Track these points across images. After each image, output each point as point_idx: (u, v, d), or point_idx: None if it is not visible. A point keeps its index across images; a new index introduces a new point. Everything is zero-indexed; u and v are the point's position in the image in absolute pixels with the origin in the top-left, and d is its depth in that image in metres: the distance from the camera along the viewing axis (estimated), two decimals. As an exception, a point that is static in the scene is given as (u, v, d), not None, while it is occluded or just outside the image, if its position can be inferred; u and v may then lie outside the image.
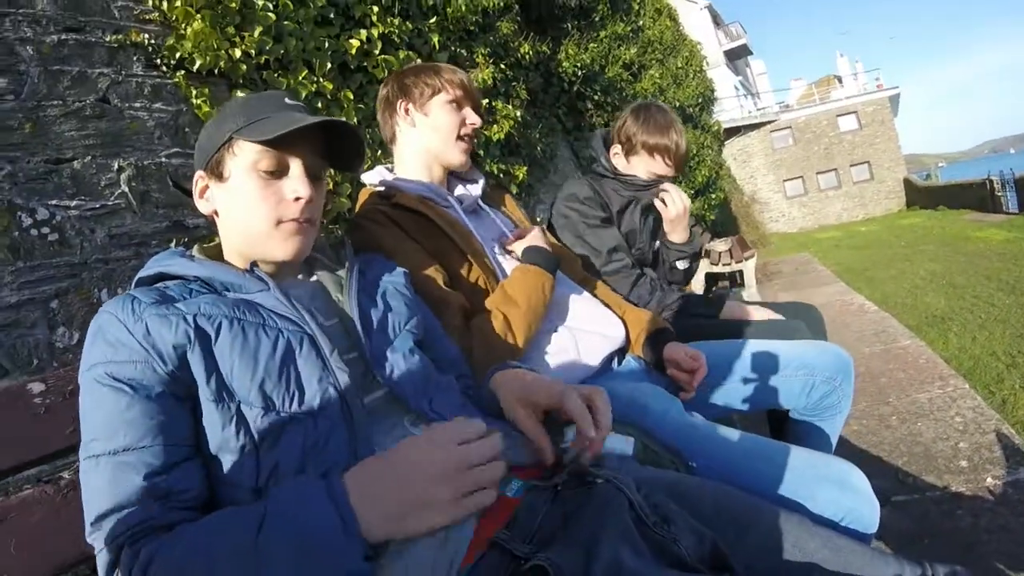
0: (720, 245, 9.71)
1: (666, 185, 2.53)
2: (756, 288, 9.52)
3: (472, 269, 1.79)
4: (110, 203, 2.66)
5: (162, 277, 1.20)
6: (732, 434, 1.49)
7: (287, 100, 1.26)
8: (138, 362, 1.00)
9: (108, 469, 0.94)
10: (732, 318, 2.45)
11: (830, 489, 1.28)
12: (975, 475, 2.99)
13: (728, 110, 39.48)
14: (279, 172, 1.21)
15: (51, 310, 2.38)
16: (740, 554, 1.01)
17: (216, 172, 1.23)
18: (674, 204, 2.49)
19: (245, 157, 1.20)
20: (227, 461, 1.00)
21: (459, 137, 1.94)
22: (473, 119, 1.95)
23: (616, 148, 2.66)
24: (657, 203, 2.53)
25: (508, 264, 1.89)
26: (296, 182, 1.21)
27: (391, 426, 1.13)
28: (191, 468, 0.99)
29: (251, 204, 1.20)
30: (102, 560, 0.92)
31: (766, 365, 1.90)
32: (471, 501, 0.91)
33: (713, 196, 13.31)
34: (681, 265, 2.63)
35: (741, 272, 9.54)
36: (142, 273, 1.20)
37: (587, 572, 0.84)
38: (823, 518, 1.24)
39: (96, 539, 0.93)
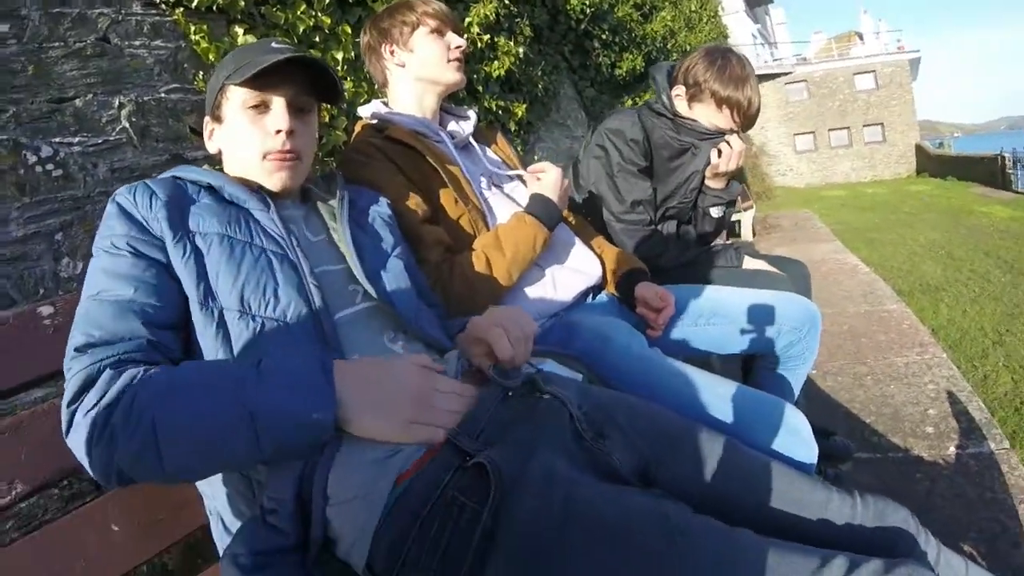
0: (720, 193, 9.66)
1: (733, 139, 2.35)
2: (753, 240, 9.54)
3: (457, 205, 1.81)
4: (111, 138, 2.73)
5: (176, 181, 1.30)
6: (687, 370, 1.54)
7: (273, 44, 1.34)
8: (155, 244, 1.15)
9: (112, 307, 1.06)
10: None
11: (769, 427, 1.37)
12: (939, 442, 3.01)
13: (744, 58, 38.82)
14: (263, 107, 1.32)
15: (56, 242, 2.48)
16: (668, 468, 1.13)
17: (216, 117, 1.38)
18: (729, 161, 2.36)
19: (235, 99, 1.32)
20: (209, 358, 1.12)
21: (449, 60, 1.94)
22: (458, 42, 1.94)
23: (679, 90, 2.39)
24: (713, 153, 2.36)
25: (495, 201, 1.92)
26: (277, 116, 1.32)
27: (369, 340, 1.24)
28: (179, 340, 1.13)
29: (241, 138, 1.33)
30: (74, 382, 0.99)
31: (735, 311, 1.96)
32: (421, 432, 1.03)
33: (721, 145, 13.12)
34: (715, 212, 2.52)
35: (740, 222, 9.53)
36: (161, 176, 1.30)
37: (523, 473, 0.95)
38: (759, 446, 1.30)
39: (76, 362, 1.01)
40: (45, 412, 1.15)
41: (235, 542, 1.01)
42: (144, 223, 1.16)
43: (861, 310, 5.32)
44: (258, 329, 1.12)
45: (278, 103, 1.32)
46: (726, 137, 2.34)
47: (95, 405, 0.96)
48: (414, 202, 1.73)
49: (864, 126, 38.20)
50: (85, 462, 0.97)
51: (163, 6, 3.03)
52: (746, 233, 9.65)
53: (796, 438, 1.36)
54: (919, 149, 36.38)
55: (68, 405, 0.98)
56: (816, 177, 38.24)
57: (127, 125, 2.77)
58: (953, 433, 3.08)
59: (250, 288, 1.14)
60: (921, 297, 6.53)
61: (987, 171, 23.37)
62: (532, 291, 1.84)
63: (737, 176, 2.54)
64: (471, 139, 2.05)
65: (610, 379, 1.51)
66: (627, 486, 1.02)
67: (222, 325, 1.12)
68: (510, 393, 1.16)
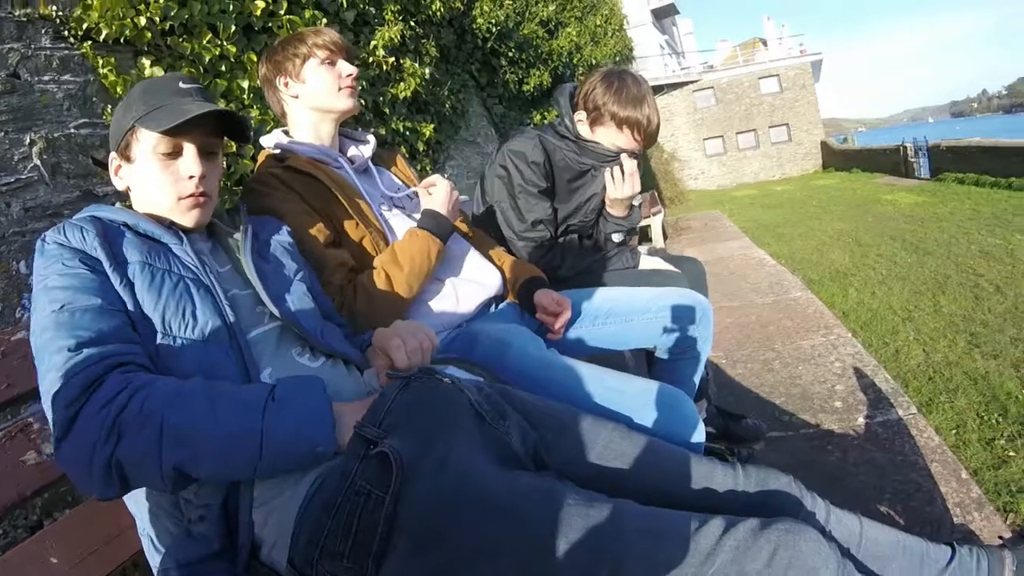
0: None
1: (629, 165, 2.40)
2: (663, 243, 9.79)
3: (358, 227, 1.87)
4: (23, 176, 2.73)
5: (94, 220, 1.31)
6: (581, 367, 1.63)
7: (181, 84, 1.40)
8: (99, 270, 1.18)
9: (90, 314, 1.09)
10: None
11: (659, 414, 1.46)
12: (848, 415, 3.14)
13: (652, 69, 39.64)
14: (175, 154, 1.37)
15: (-30, 285, 2.42)
16: (557, 453, 1.24)
17: (125, 155, 1.40)
18: (622, 188, 2.42)
19: (146, 143, 1.35)
20: None
21: (340, 88, 1.97)
22: (349, 70, 1.98)
23: (581, 115, 2.43)
24: (607, 176, 2.42)
25: (395, 221, 1.99)
26: (190, 163, 1.36)
27: (279, 355, 1.32)
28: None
29: (154, 183, 1.37)
30: (77, 382, 1.00)
31: (627, 309, 2.06)
32: None
33: (631, 153, 13.32)
34: (616, 238, 2.61)
35: (649, 227, 9.75)
36: (79, 216, 1.32)
37: (421, 459, 1.02)
38: (648, 431, 1.40)
39: (72, 361, 1.02)
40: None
41: (165, 557, 1.10)
42: (83, 252, 1.19)
43: (768, 300, 5.51)
44: (179, 348, 1.18)
45: (189, 149, 1.37)
46: (621, 159, 2.39)
47: (105, 405, 0.98)
48: (316, 228, 1.79)
49: (770, 127, 39.40)
50: (81, 464, 0.97)
51: (71, 40, 3.04)
52: (656, 237, 9.88)
53: (685, 422, 1.47)
54: (824, 145, 37.63)
55: (67, 405, 0.99)
56: (727, 179, 39.23)
57: (39, 163, 2.77)
58: (861, 405, 3.22)
59: (170, 311, 1.20)
60: (831, 284, 6.74)
61: (891, 161, 24.25)
62: (434, 304, 1.92)
63: (646, 183, 2.66)
64: (370, 162, 2.11)
65: (510, 382, 1.55)
66: (521, 470, 1.12)
67: (149, 345, 1.17)
68: (410, 382, 1.21)
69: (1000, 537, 1.55)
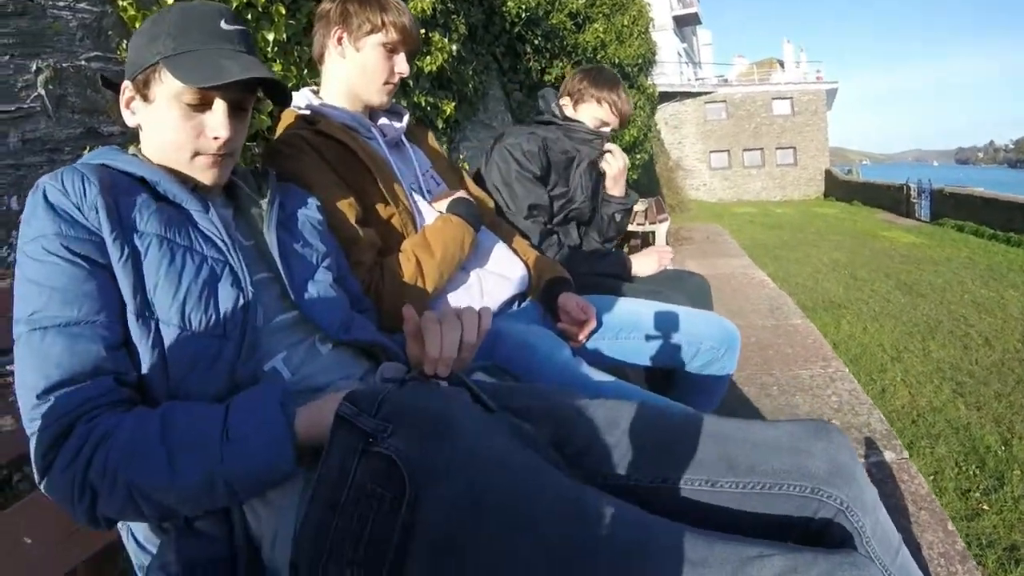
0: (638, 205, 9.81)
1: (609, 145, 2.75)
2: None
3: (387, 206, 1.77)
4: (25, 106, 2.54)
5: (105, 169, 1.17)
6: (609, 381, 1.58)
7: (223, 25, 1.22)
8: (93, 241, 1.05)
9: (61, 340, 0.98)
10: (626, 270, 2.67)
11: None
12: (841, 451, 3.11)
13: (668, 75, 39.63)
14: (202, 106, 1.19)
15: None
16: (577, 437, 1.15)
17: (142, 91, 1.20)
18: (616, 162, 2.75)
19: (170, 86, 1.16)
20: (145, 375, 1.05)
21: (385, 83, 1.87)
22: (403, 68, 1.86)
23: (565, 99, 2.77)
24: (602, 163, 2.75)
25: (424, 204, 1.88)
26: (218, 122, 1.19)
27: (298, 342, 1.23)
28: (129, 355, 1.05)
29: (172, 133, 1.19)
30: (47, 435, 0.94)
31: (657, 326, 1.99)
32: None
33: (638, 156, 13.29)
34: (617, 217, 2.83)
35: (653, 233, 9.69)
36: (86, 159, 1.18)
37: (434, 463, 0.92)
38: None
39: (42, 412, 0.95)
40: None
41: (162, 552, 1.03)
42: (78, 214, 1.05)
43: (768, 323, 5.48)
44: (195, 344, 1.08)
45: (220, 106, 1.19)
46: (606, 145, 2.74)
47: (71, 463, 0.93)
48: (346, 202, 1.66)
49: (777, 148, 39.86)
50: (67, 509, 0.96)
51: (93, -36, 2.87)
52: (660, 244, 9.82)
53: None
54: (828, 174, 37.98)
55: (42, 456, 0.95)
56: (728, 194, 39.55)
57: (43, 92, 2.60)
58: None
59: (192, 303, 1.08)
60: (823, 313, 6.79)
61: (892, 198, 24.45)
62: (457, 296, 1.82)
63: (651, 189, 2.79)
64: (402, 137, 2.01)
65: None
66: (542, 463, 0.98)
67: (158, 340, 1.05)
68: (406, 380, 1.16)
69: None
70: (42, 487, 0.96)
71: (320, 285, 1.33)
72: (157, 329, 1.05)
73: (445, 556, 0.88)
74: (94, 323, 1.00)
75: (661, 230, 9.50)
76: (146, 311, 1.05)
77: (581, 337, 1.89)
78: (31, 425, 0.96)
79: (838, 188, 34.99)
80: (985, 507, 3.21)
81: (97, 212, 1.05)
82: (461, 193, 1.86)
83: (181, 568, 1.00)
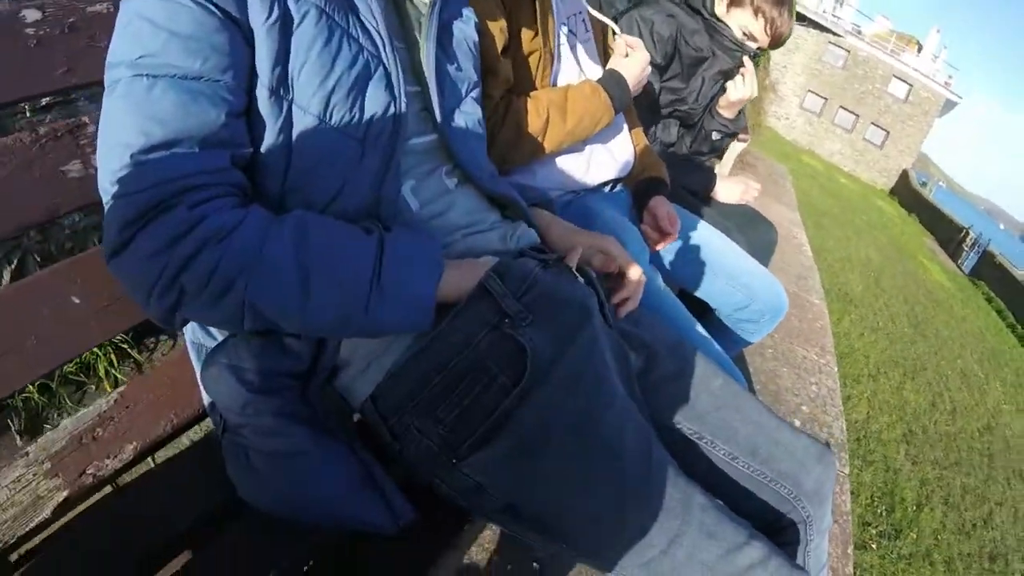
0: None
1: (748, 66, 2.41)
2: (728, 170, 9.50)
3: (534, 40, 1.61)
4: None
5: None
6: (681, 307, 1.69)
7: None
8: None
9: (174, 94, 0.80)
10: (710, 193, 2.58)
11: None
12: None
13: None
14: None
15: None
16: (664, 393, 1.23)
17: None
18: (745, 89, 2.40)
19: None
20: (259, 160, 0.91)
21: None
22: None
23: None
24: (729, 83, 2.43)
25: (566, 51, 1.75)
26: None
27: (428, 172, 1.10)
28: (247, 129, 0.89)
29: None
30: (132, 205, 0.78)
31: (724, 266, 2.00)
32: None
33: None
34: (715, 136, 2.58)
35: (728, 150, 9.41)
36: None
37: (555, 366, 0.95)
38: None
39: (136, 172, 0.78)
40: (7, 148, 0.91)
41: (240, 355, 0.94)
42: None
43: (790, 289, 5.44)
44: (331, 140, 0.92)
45: None
46: (745, 64, 2.39)
47: (165, 251, 0.77)
48: (499, 26, 1.46)
49: (872, 124, 38.77)
50: (138, 297, 0.81)
51: None
52: (726, 163, 9.57)
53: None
54: (904, 175, 37.11)
55: (121, 228, 0.78)
56: (805, 139, 38.82)
57: None
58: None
59: (340, 95, 0.91)
60: (835, 301, 6.82)
61: (948, 234, 24.08)
62: (563, 162, 1.77)
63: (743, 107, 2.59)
64: None
65: None
66: (633, 402, 1.06)
67: (287, 125, 0.90)
68: (548, 264, 1.11)
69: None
70: (111, 265, 0.80)
71: (469, 117, 1.19)
72: (289, 113, 0.89)
73: (526, 454, 0.93)
74: (218, 83, 0.83)
75: (737, 148, 9.25)
76: (282, 88, 0.88)
77: (659, 247, 1.85)
78: (113, 187, 0.79)
79: (906, 192, 34.27)
80: (874, 547, 3.41)
81: None
82: (618, 68, 1.74)
83: (254, 375, 0.93)
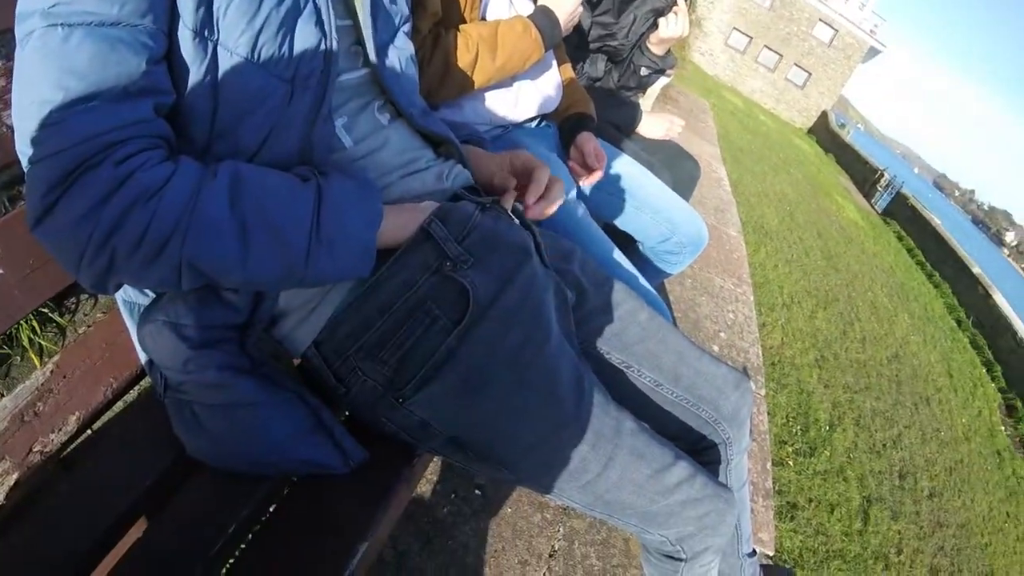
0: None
1: (682, 6, 2.38)
2: (651, 104, 9.50)
3: None
4: None
5: None
6: (607, 242, 1.69)
7: None
8: None
9: (91, 43, 0.73)
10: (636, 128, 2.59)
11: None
12: (714, 361, 3.35)
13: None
14: None
15: None
16: (593, 326, 1.31)
17: None
18: (676, 28, 2.37)
19: None
20: (183, 106, 0.85)
21: None
22: None
23: None
24: (661, 20, 2.38)
25: None
26: None
27: (360, 108, 1.07)
28: (168, 74, 0.83)
29: None
30: (53, 168, 0.72)
31: (647, 200, 2.04)
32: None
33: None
34: (644, 72, 2.57)
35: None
36: None
37: (494, 305, 0.99)
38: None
39: (47, 136, 0.72)
40: None
41: (177, 310, 0.90)
42: None
43: (709, 222, 5.52)
44: (260, 81, 0.87)
45: None
46: (676, 5, 2.36)
47: (91, 214, 0.72)
48: None
49: (795, 64, 39.44)
50: (67, 265, 0.76)
51: None
52: (651, 92, 9.55)
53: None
54: (823, 116, 37.79)
55: (45, 193, 0.72)
56: (727, 76, 39.27)
57: None
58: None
59: (268, 33, 0.85)
60: (752, 234, 6.97)
61: (863, 174, 24.64)
62: (492, 97, 1.76)
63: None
64: None
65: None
66: (567, 335, 1.13)
67: (213, 68, 0.84)
68: (486, 207, 1.11)
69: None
70: (36, 232, 0.74)
71: (401, 52, 1.15)
72: (215, 54, 0.83)
73: (468, 390, 0.97)
74: (137, 27, 0.77)
75: (661, 83, 9.24)
76: (206, 30, 0.82)
77: (586, 183, 1.85)
78: (31, 148, 0.73)
79: (824, 133, 34.80)
80: (791, 463, 3.55)
81: None
82: (552, 5, 1.71)
83: (193, 330, 0.90)
